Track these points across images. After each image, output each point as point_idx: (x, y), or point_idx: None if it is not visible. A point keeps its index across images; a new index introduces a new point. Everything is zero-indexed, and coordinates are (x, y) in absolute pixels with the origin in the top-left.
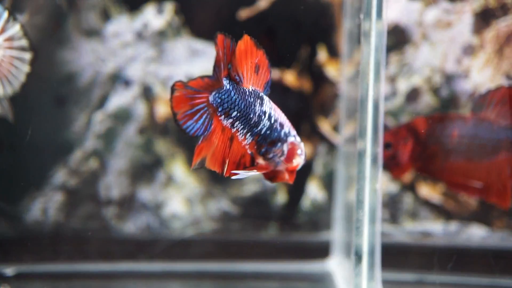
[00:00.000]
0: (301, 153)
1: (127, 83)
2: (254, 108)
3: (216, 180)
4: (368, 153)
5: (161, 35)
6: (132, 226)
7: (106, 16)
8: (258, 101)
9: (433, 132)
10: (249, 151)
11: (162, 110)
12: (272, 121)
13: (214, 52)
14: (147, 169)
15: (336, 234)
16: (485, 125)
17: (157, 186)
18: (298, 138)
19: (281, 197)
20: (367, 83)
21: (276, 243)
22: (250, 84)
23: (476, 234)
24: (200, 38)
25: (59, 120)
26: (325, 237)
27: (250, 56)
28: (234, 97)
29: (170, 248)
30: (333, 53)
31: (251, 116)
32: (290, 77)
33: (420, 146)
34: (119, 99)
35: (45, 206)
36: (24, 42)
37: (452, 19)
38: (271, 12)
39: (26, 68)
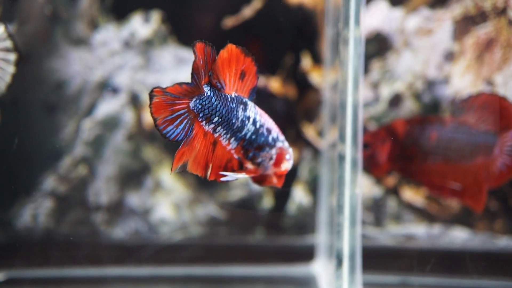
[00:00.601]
0: (290, 158)
1: (115, 90)
2: (236, 114)
3: (204, 185)
4: (348, 158)
5: (148, 44)
6: (120, 231)
7: (93, 25)
8: (241, 107)
9: (412, 133)
10: (236, 156)
11: (150, 117)
12: (258, 126)
13: None
14: (135, 175)
15: (321, 238)
16: (464, 128)
17: (145, 192)
18: (286, 143)
19: (267, 202)
20: (346, 89)
21: (263, 247)
22: (234, 90)
23: (459, 236)
24: (187, 46)
25: (48, 127)
26: (310, 241)
27: (236, 63)
28: (215, 103)
29: (158, 252)
30: (317, 60)
31: (233, 121)
32: (275, 84)
33: (398, 147)
34: (107, 107)
35: (35, 212)
36: (8, 44)
37: (433, 26)
38: (256, 20)
39: (11, 69)
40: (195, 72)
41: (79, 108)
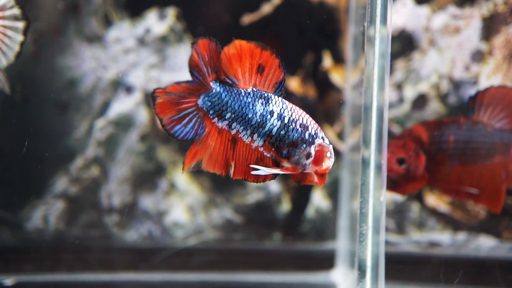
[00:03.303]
0: (331, 155)
1: (128, 89)
2: (253, 108)
3: (219, 188)
4: (372, 163)
5: (163, 41)
6: (134, 234)
7: (107, 21)
8: (261, 101)
9: (434, 139)
10: (268, 154)
11: None
12: (286, 121)
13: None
14: (149, 176)
15: (341, 244)
16: (478, 128)
17: (159, 194)
18: (327, 140)
19: (285, 206)
20: (371, 90)
21: (280, 252)
22: (251, 85)
23: (485, 244)
24: None
25: (60, 127)
26: (330, 247)
27: (250, 58)
28: (225, 99)
29: (172, 257)
30: (339, 59)
31: (249, 116)
32: (294, 84)
33: (427, 155)
34: (120, 106)
35: (46, 214)
36: (16, 11)
37: (460, 24)
38: (275, 17)
39: (20, 37)
40: (194, 70)
41: (92, 107)
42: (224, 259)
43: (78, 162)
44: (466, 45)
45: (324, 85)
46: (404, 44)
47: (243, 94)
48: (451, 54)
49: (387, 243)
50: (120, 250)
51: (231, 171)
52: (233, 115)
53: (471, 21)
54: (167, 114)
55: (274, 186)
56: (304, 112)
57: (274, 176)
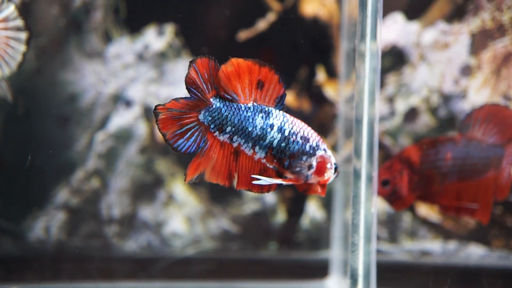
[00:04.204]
0: (331, 166)
1: (128, 103)
2: (253, 122)
3: (216, 199)
4: (363, 175)
5: (162, 57)
6: (133, 244)
7: (107, 38)
8: (261, 115)
9: (427, 158)
10: (270, 166)
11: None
12: (287, 134)
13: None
14: (148, 188)
15: (335, 253)
16: (474, 144)
17: (158, 205)
18: (328, 152)
19: (280, 216)
20: (362, 104)
21: (276, 261)
22: (251, 100)
23: (475, 253)
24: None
25: (62, 140)
26: (324, 256)
27: (248, 74)
28: (225, 113)
29: (171, 266)
30: (332, 74)
31: (249, 129)
32: (289, 97)
33: (416, 175)
34: (120, 119)
35: (48, 225)
36: (19, 22)
37: (449, 40)
38: (270, 33)
39: (22, 48)
40: (191, 87)
41: (93, 121)
42: (221, 268)
43: (79, 174)
44: (455, 60)
45: (318, 99)
46: (395, 59)
47: (243, 108)
48: (441, 69)
49: (380, 252)
50: (120, 260)
51: (235, 182)
52: (233, 129)
53: (460, 37)
54: (170, 129)
55: (269, 197)
56: (306, 125)
57: (278, 186)
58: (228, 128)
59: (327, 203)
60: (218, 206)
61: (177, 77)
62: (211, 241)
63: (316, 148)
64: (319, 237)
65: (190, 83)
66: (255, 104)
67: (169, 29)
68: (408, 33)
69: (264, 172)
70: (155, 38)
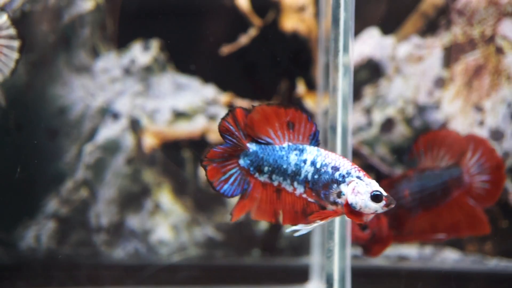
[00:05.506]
0: (365, 192)
1: (115, 116)
2: (287, 159)
3: (201, 207)
4: None
5: (148, 71)
6: (121, 252)
7: (95, 53)
8: (295, 152)
9: (394, 195)
10: (311, 200)
11: (149, 141)
12: (319, 166)
13: (199, 87)
14: (135, 197)
15: (315, 259)
16: (427, 174)
17: (145, 214)
18: (365, 180)
19: (263, 224)
20: (336, 115)
21: (259, 267)
22: (286, 141)
23: (450, 257)
24: (184, 73)
25: (51, 152)
26: (304, 262)
27: (276, 118)
28: (261, 155)
29: (157, 273)
30: (311, 86)
31: (284, 166)
32: None
33: (388, 215)
34: (108, 131)
35: (38, 234)
36: (12, 31)
37: (423, 53)
38: (252, 48)
39: (15, 55)
40: (225, 134)
41: (81, 133)
42: (206, 275)
43: (68, 185)
44: (429, 73)
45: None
46: (372, 72)
47: (277, 149)
48: (415, 81)
49: (358, 257)
50: (108, 267)
51: (280, 218)
52: (270, 168)
53: (433, 51)
54: (215, 177)
55: None
56: (341, 157)
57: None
58: (266, 168)
59: None
60: (203, 215)
61: (162, 90)
62: (196, 248)
63: (346, 176)
64: (300, 244)
65: (224, 131)
66: (289, 144)
67: (155, 44)
68: (383, 47)
69: (307, 206)
70: (141, 53)
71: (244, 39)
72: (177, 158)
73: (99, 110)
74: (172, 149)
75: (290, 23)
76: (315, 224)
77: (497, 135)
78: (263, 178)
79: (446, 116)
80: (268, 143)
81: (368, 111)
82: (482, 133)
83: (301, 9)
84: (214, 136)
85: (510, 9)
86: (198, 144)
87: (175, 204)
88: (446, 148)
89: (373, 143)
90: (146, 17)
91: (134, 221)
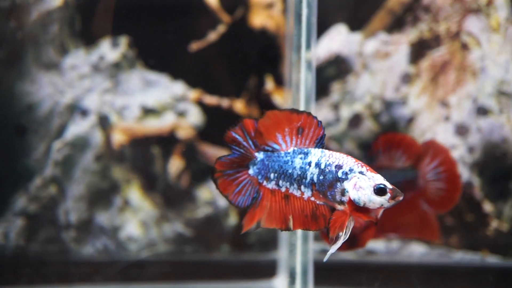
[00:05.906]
0: (369, 187)
1: (84, 112)
2: (292, 164)
3: (171, 204)
4: None
5: (116, 67)
6: (90, 248)
7: (63, 50)
8: (300, 156)
9: None
10: (319, 202)
11: (118, 138)
12: (323, 167)
13: (167, 84)
14: (104, 194)
15: (282, 254)
16: (384, 172)
17: (114, 210)
18: (368, 174)
19: (232, 219)
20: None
21: (228, 263)
22: (293, 146)
23: (416, 251)
24: (153, 70)
25: (20, 149)
26: (272, 257)
27: (287, 123)
28: (267, 163)
29: (126, 269)
30: (280, 82)
31: (290, 171)
32: (239, 105)
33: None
34: (76, 128)
35: (7, 231)
36: None
37: (390, 49)
38: (221, 44)
39: None
40: (232, 144)
41: (50, 130)
42: (176, 270)
43: (36, 182)
44: (395, 69)
45: (267, 106)
46: (339, 68)
47: (282, 155)
48: (382, 77)
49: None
50: (77, 264)
51: (291, 224)
52: (276, 174)
53: (400, 47)
54: (229, 190)
55: (222, 202)
56: (346, 156)
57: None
58: (272, 175)
59: None
60: (172, 211)
61: (131, 86)
62: (165, 244)
63: (348, 173)
64: (268, 239)
65: (230, 141)
66: (295, 149)
67: (123, 41)
68: (351, 43)
69: (316, 209)
70: (110, 50)
71: (213, 36)
72: (146, 154)
73: (67, 106)
74: (141, 145)
75: (258, 19)
76: (341, 240)
77: (462, 130)
78: (271, 185)
79: (413, 112)
80: (274, 150)
81: (336, 107)
82: (448, 128)
83: (269, 5)
84: (183, 132)
85: (475, 6)
86: (167, 140)
87: (144, 201)
88: (403, 150)
89: (341, 139)
90: (114, 13)
91: (103, 218)
